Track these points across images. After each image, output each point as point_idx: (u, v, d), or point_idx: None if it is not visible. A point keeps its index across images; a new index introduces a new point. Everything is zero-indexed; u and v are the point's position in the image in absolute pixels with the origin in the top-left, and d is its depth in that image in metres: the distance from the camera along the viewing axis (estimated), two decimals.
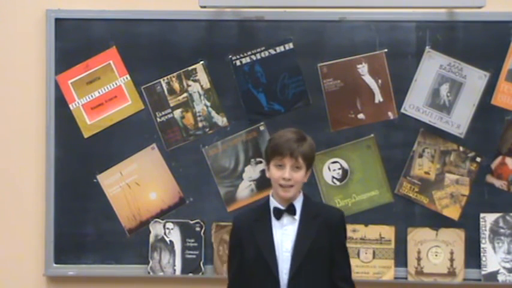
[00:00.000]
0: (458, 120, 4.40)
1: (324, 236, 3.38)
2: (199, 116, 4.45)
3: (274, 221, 3.40)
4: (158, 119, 4.46)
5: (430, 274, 4.38)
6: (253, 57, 4.43)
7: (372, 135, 4.42)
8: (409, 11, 4.39)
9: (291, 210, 3.39)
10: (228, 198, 4.45)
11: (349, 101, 4.42)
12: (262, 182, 4.41)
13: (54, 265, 4.47)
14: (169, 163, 4.46)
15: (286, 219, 3.40)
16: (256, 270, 3.37)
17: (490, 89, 4.39)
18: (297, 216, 3.40)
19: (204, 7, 4.34)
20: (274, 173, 3.37)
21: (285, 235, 3.38)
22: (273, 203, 3.41)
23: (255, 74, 4.43)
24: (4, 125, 4.51)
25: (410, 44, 4.41)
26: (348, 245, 3.48)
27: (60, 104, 4.46)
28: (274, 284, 3.34)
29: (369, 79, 4.42)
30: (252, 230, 3.40)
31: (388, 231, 4.39)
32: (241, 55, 4.43)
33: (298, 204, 3.41)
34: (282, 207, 3.40)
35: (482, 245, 4.38)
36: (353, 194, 4.44)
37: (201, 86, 4.45)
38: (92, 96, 4.47)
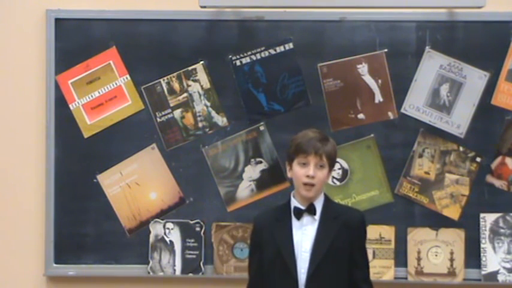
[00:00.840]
0: (458, 120, 4.40)
1: (343, 236, 3.38)
2: (199, 116, 4.45)
3: (294, 221, 3.41)
4: (158, 119, 4.46)
5: (430, 274, 4.38)
6: (253, 57, 4.43)
7: (372, 135, 4.42)
8: (409, 11, 4.39)
9: (311, 210, 3.40)
10: (228, 198, 4.45)
11: (349, 101, 4.42)
12: (262, 182, 4.42)
13: (54, 265, 4.46)
14: (169, 163, 4.45)
15: (306, 219, 3.40)
16: (274, 269, 3.38)
17: (490, 89, 4.39)
18: (317, 217, 3.41)
19: (204, 7, 4.34)
20: (297, 171, 3.38)
21: (304, 235, 3.39)
22: (294, 203, 3.42)
23: (255, 74, 4.43)
24: (4, 125, 4.51)
25: (410, 44, 4.41)
26: None
27: (60, 104, 4.46)
28: (293, 284, 3.35)
29: (368, 79, 4.42)
30: (272, 229, 3.41)
31: (388, 231, 4.39)
32: (241, 55, 4.43)
33: (318, 205, 3.42)
34: (302, 207, 3.41)
35: (482, 245, 4.38)
36: (353, 194, 4.43)
37: (201, 86, 4.45)
38: (92, 96, 4.47)
